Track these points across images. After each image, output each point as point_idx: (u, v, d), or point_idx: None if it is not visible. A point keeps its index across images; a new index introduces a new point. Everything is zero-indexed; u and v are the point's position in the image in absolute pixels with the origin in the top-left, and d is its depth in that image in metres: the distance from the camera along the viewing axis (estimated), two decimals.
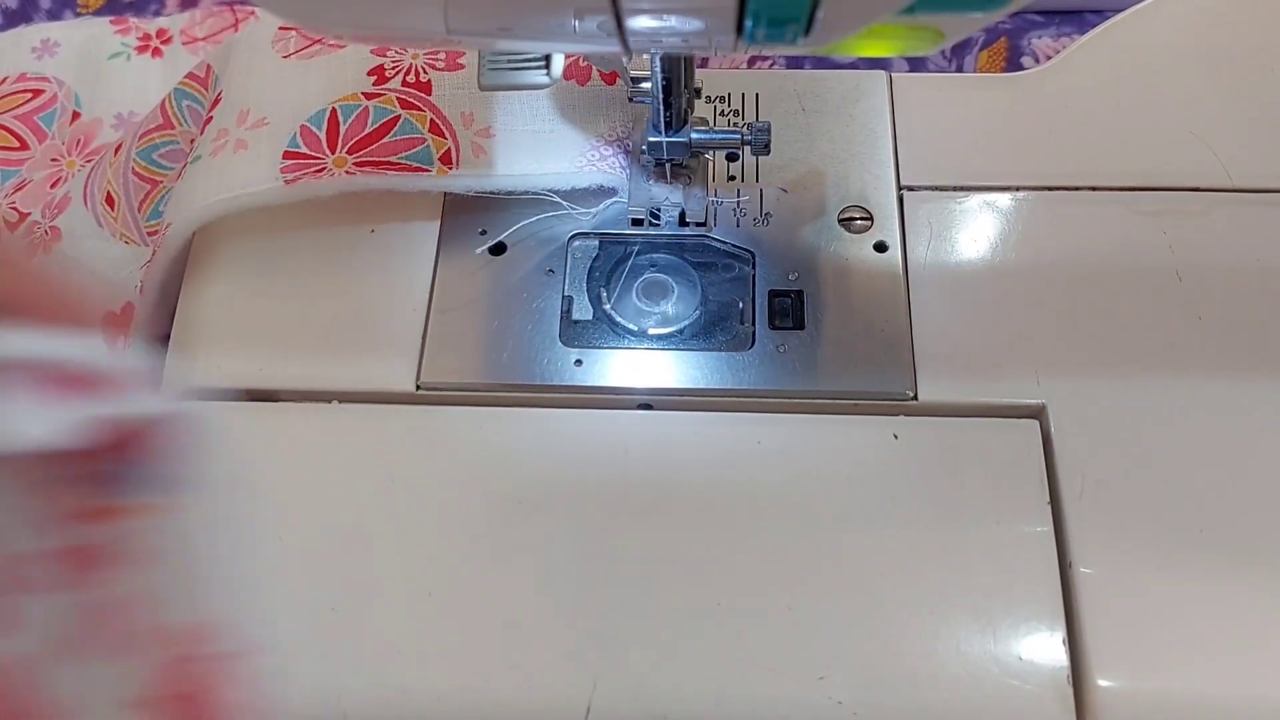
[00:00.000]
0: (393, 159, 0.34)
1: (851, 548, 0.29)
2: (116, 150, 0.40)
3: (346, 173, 0.34)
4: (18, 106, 0.45)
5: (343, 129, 0.35)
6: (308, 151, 0.34)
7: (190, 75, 0.40)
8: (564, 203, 0.35)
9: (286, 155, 0.34)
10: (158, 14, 0.49)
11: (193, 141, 0.38)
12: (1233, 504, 0.29)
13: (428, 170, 0.34)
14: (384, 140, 0.35)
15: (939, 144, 0.36)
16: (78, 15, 0.50)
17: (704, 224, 0.35)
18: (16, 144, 0.44)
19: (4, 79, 0.46)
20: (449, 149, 0.35)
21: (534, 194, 0.35)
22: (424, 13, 0.21)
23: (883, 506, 0.29)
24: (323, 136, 0.35)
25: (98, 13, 0.49)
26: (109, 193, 0.39)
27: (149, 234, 0.37)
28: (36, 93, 0.46)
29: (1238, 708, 0.27)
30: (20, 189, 0.43)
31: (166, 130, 0.39)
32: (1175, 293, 0.33)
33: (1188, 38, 0.38)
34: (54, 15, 0.50)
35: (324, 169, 0.34)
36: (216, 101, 0.37)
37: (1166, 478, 0.30)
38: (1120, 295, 0.33)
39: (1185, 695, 0.27)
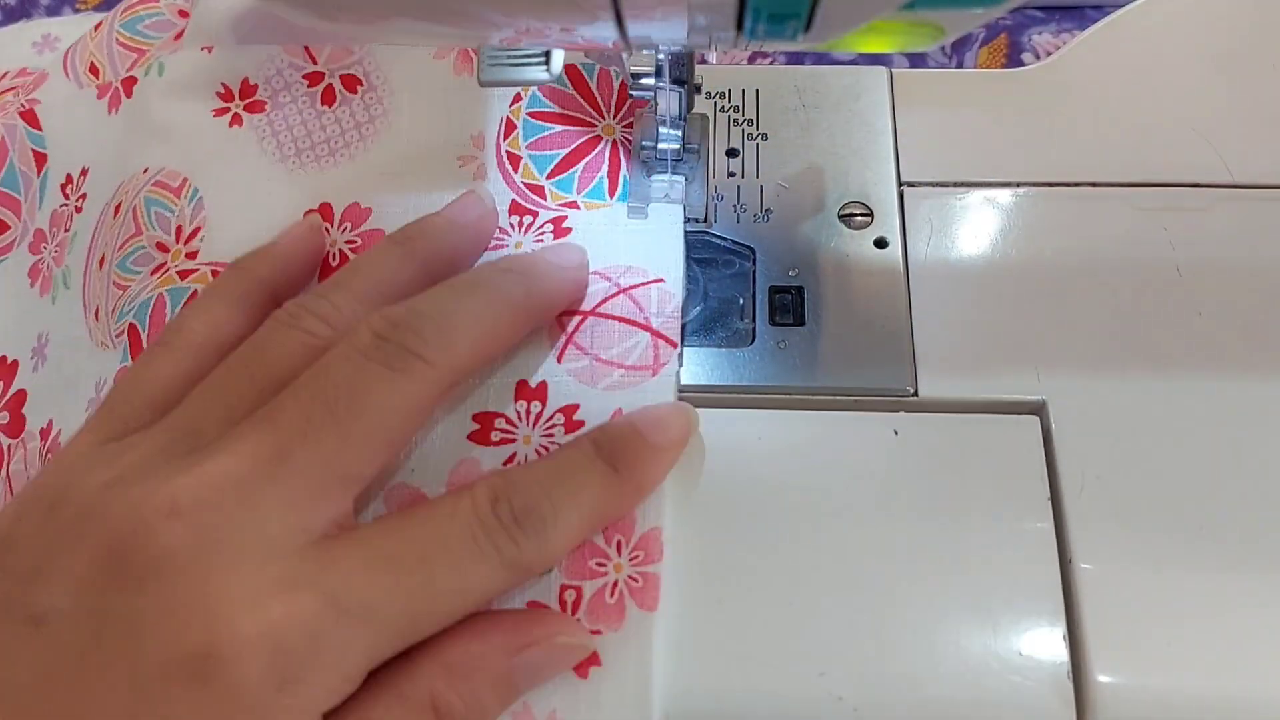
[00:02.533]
0: None
1: (851, 543, 0.29)
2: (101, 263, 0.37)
3: None
4: None
5: None
6: None
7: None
8: None
9: None
10: None
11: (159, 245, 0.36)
12: (1233, 500, 0.29)
13: None
14: None
15: (939, 140, 0.36)
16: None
17: (704, 220, 0.35)
18: None
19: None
20: None
21: None
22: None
23: (883, 502, 0.29)
24: None
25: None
26: (97, 307, 0.37)
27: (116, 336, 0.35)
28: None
29: (1238, 704, 0.27)
30: None
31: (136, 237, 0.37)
32: (1176, 289, 0.33)
33: (1188, 34, 0.38)
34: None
35: None
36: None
37: (1167, 474, 0.30)
38: (1121, 291, 0.33)
39: (1185, 691, 0.27)
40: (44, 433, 0.35)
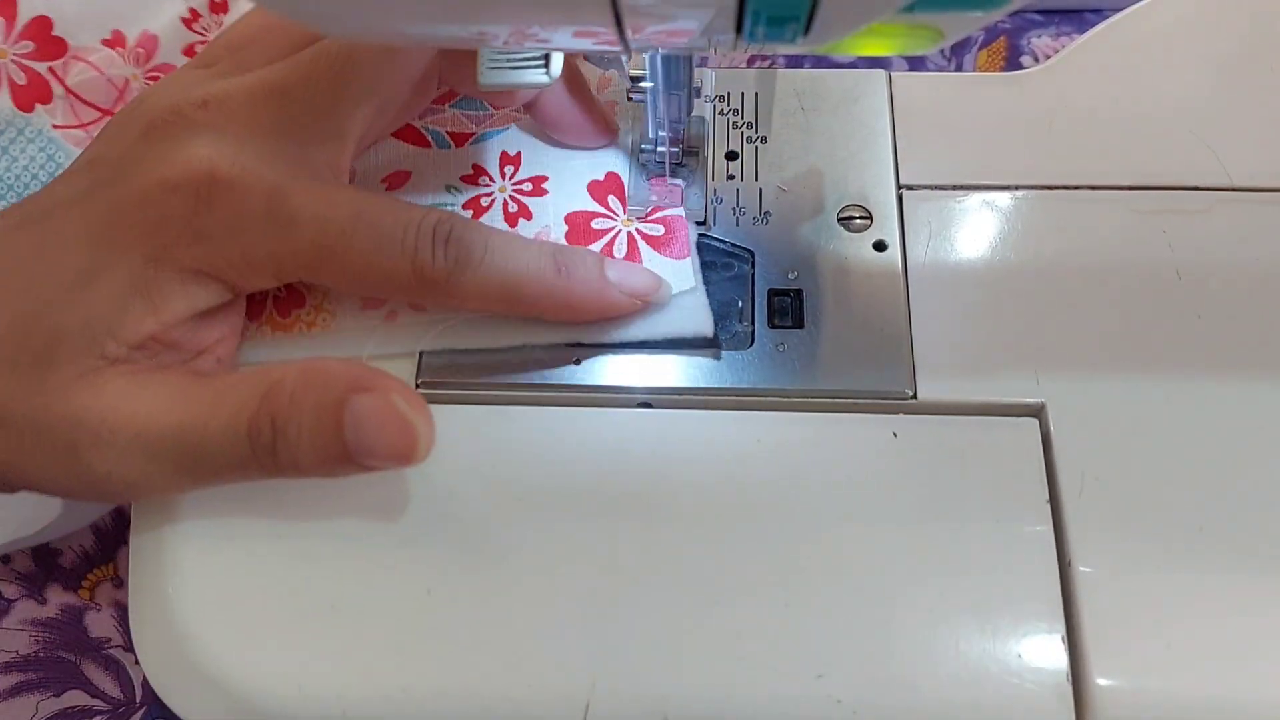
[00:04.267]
0: None
1: (850, 545, 0.29)
2: None
3: None
4: None
5: None
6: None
7: None
8: None
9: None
10: None
11: None
12: (1232, 503, 0.29)
13: None
14: None
15: (938, 143, 0.36)
16: None
17: (702, 222, 0.35)
18: None
19: None
20: None
21: None
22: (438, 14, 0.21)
23: (881, 504, 0.29)
24: None
25: None
26: None
27: None
28: None
29: (1237, 707, 0.27)
30: None
31: None
32: (1175, 291, 0.33)
33: (1187, 37, 0.38)
34: None
35: None
36: None
37: (1166, 476, 0.30)
38: (1120, 294, 0.33)
39: (1185, 694, 0.27)
40: (109, 43, 0.38)
